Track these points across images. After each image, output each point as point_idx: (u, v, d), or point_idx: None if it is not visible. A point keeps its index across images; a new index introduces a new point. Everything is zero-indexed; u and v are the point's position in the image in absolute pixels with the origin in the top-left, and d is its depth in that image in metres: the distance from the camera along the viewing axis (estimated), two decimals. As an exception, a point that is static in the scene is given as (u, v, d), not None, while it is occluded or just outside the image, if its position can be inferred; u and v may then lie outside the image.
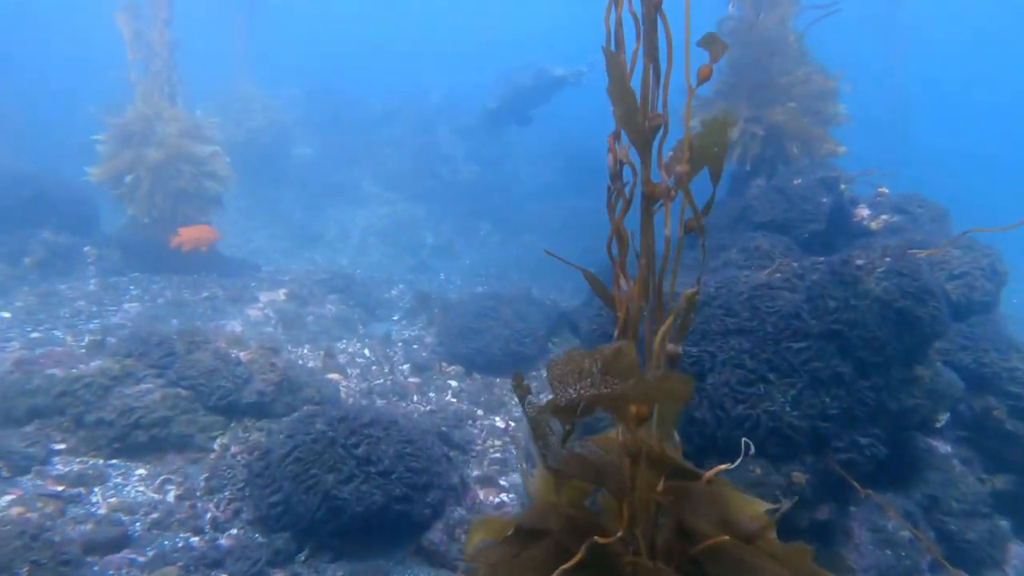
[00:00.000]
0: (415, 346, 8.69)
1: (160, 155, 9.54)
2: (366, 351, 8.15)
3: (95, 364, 5.28)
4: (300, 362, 7.40)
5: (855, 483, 3.95)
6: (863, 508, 4.10)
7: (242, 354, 5.80)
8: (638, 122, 2.02)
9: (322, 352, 7.68)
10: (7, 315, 8.28)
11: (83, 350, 6.98)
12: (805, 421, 4.13)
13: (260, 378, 5.48)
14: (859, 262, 4.20)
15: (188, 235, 9.59)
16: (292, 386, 5.67)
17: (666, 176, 2.12)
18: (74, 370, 5.18)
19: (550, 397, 1.77)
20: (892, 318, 4.04)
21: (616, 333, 2.11)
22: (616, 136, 2.19)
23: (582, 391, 1.69)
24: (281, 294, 9.33)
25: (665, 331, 2.04)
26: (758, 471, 4.20)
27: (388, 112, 21.60)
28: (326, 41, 32.71)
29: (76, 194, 10.59)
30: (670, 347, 2.14)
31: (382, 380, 7.00)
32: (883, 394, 4.07)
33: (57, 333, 7.73)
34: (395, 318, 10.49)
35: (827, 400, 4.14)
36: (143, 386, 5.15)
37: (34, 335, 7.55)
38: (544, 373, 7.49)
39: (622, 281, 2.07)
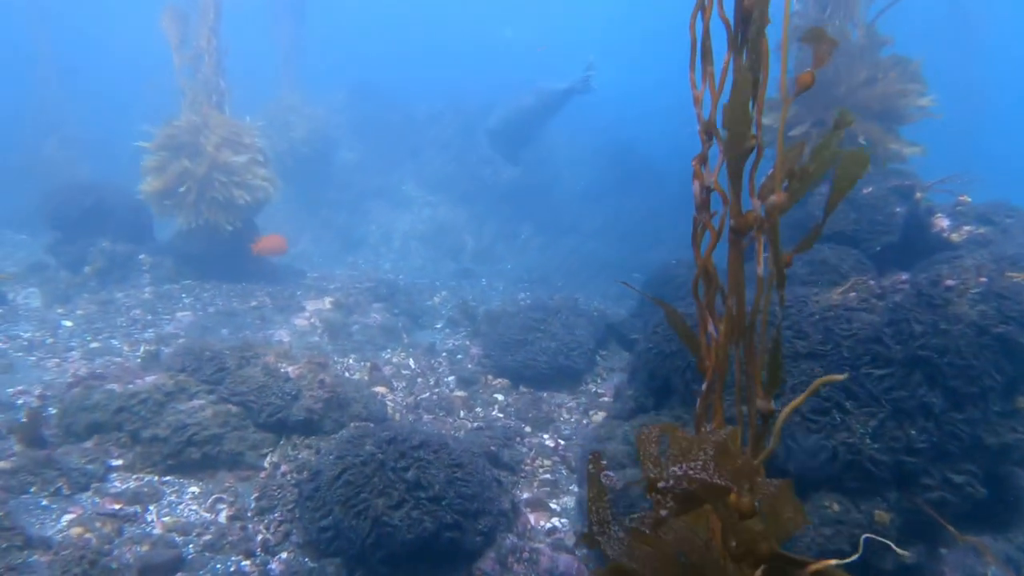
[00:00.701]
0: (459, 356, 8.59)
1: (204, 166, 9.71)
2: (411, 362, 8.09)
3: (150, 379, 5.34)
4: (346, 374, 7.38)
5: (947, 525, 3.61)
6: (956, 552, 3.74)
7: (291, 369, 5.79)
8: (740, 146, 1.80)
9: (368, 364, 7.65)
10: (69, 324, 8.56)
11: (139, 360, 7.13)
12: (888, 455, 3.80)
13: (309, 395, 5.44)
14: (949, 283, 3.84)
15: (265, 244, 10.32)
16: (340, 402, 5.62)
17: (758, 204, 1.89)
18: (131, 385, 5.25)
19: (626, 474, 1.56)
20: (990, 345, 3.67)
21: (704, 387, 1.89)
22: (702, 159, 1.97)
23: (691, 472, 1.48)
24: (327, 303, 9.37)
25: (757, 382, 1.81)
26: (835, 507, 3.89)
27: (431, 115, 21.66)
28: (370, 43, 33.14)
29: (132, 202, 10.90)
30: (761, 403, 1.91)
31: (428, 394, 6.91)
32: (979, 428, 3.71)
33: (114, 342, 7.94)
34: (438, 326, 10.43)
35: (913, 432, 3.80)
36: (195, 402, 5.17)
37: (93, 345, 7.77)
38: (592, 387, 7.28)
39: (710, 326, 1.85)
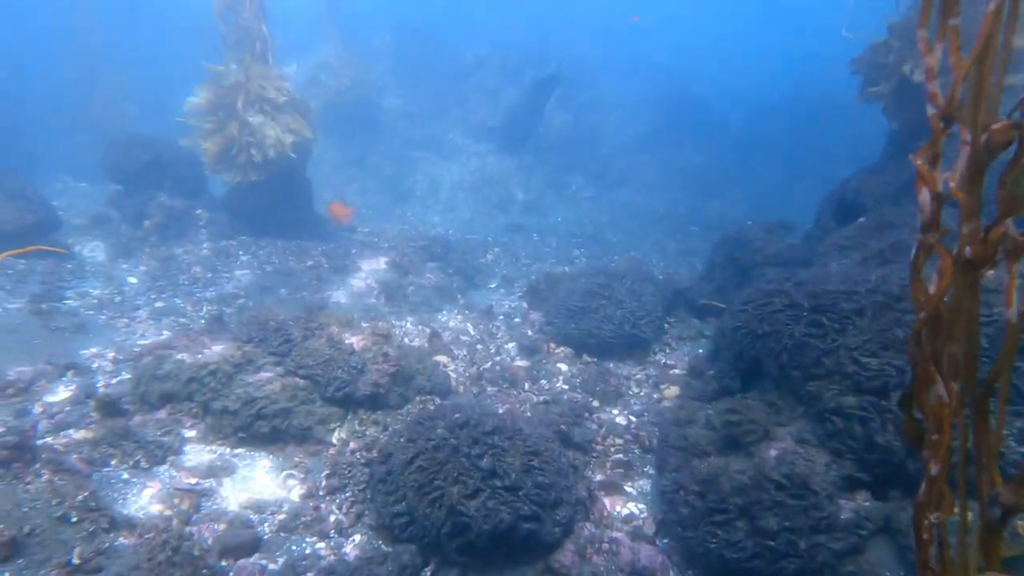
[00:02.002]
0: (517, 320, 8.33)
1: (237, 128, 9.41)
2: (469, 327, 7.87)
3: (218, 349, 5.25)
4: (406, 340, 7.22)
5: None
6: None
7: (355, 340, 5.62)
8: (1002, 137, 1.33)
9: (427, 330, 7.46)
10: (134, 280, 8.63)
11: (203, 322, 7.11)
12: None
13: (374, 368, 5.27)
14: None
15: (337, 211, 11.25)
16: (405, 375, 5.45)
17: (1009, 221, 1.43)
18: (200, 355, 5.17)
19: None
20: None
21: (929, 465, 1.49)
22: (932, 155, 1.50)
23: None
24: (382, 263, 9.17)
25: (994, 465, 1.41)
26: None
27: (478, 59, 20.74)
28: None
29: (187, 156, 10.79)
30: (1006, 495, 1.50)
31: (490, 363, 6.69)
32: None
33: (178, 301, 7.96)
34: (492, 285, 10.16)
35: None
36: (263, 375, 5.07)
37: (158, 304, 7.80)
38: (661, 358, 6.92)
39: (939, 387, 1.43)
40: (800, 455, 3.92)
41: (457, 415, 4.44)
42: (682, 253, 12.14)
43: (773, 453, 4.11)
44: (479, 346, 7.27)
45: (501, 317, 8.48)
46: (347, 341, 5.59)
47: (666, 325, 7.28)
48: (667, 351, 6.96)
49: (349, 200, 18.11)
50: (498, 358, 6.88)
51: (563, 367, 6.74)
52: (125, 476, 4.34)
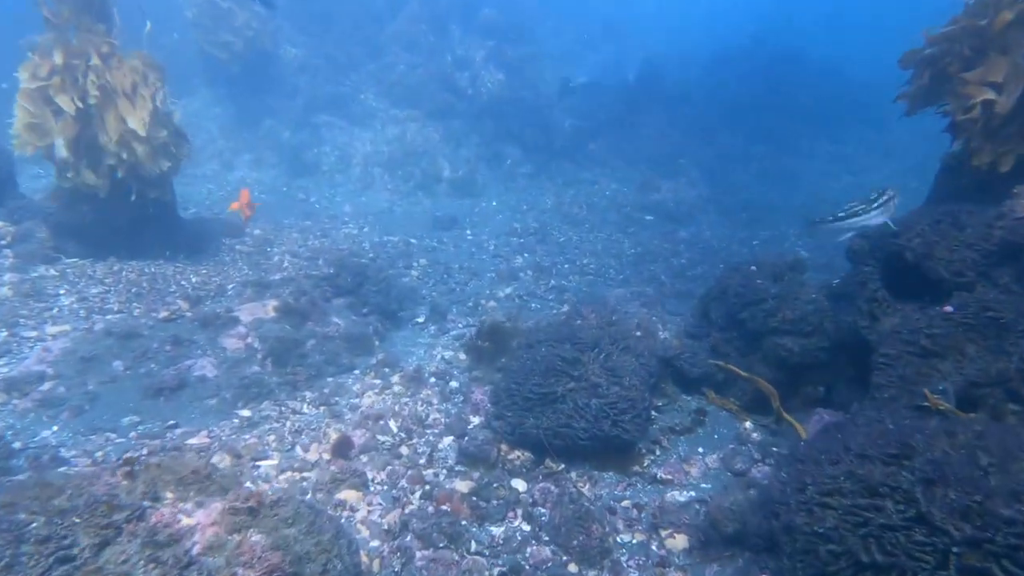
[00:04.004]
0: (454, 384, 6.42)
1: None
2: (390, 408, 5.85)
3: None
4: (298, 451, 5.13)
5: None
6: None
7: (200, 523, 3.51)
8: None
9: (331, 429, 5.40)
10: None
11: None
12: None
13: (229, 592, 3.22)
14: None
15: (244, 204, 8.24)
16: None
17: None
18: None
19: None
20: None
21: None
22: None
23: None
24: (270, 308, 6.86)
25: None
26: None
27: (393, 4, 17.63)
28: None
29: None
30: None
31: (418, 494, 4.76)
32: None
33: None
34: (420, 320, 8.12)
35: None
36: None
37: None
38: (653, 468, 5.23)
39: None
40: None
41: None
42: (642, 260, 10.47)
43: None
44: (404, 450, 5.31)
45: (433, 381, 6.52)
46: (185, 524, 3.48)
47: (654, 413, 5.58)
48: (658, 454, 5.28)
49: (240, 175, 15.13)
50: (431, 480, 4.96)
51: (520, 487, 4.93)
52: None
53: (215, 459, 4.84)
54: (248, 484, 4.56)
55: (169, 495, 3.72)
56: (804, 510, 3.08)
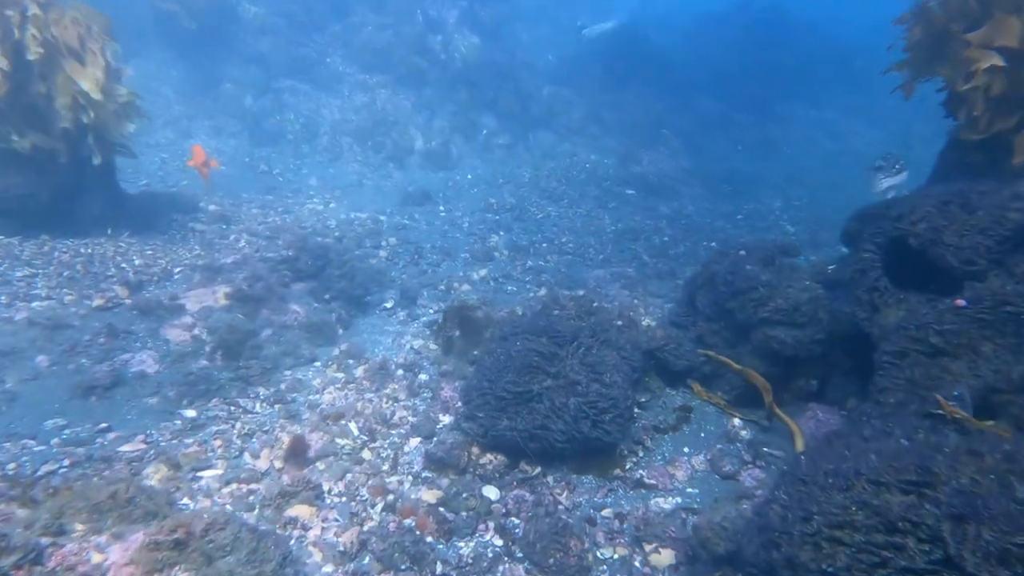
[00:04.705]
0: (423, 377, 5.96)
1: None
2: (353, 406, 5.38)
3: None
4: (246, 459, 4.64)
5: None
6: None
7: (115, 563, 3.03)
8: None
9: (284, 432, 4.91)
10: None
11: None
12: None
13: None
14: None
15: (199, 161, 8.21)
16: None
17: None
18: None
19: None
20: None
21: None
22: None
23: None
24: (221, 295, 6.28)
25: None
26: None
27: (359, -40, 16.53)
28: None
29: None
30: None
31: (380, 506, 4.32)
32: None
33: None
34: (388, 305, 7.61)
35: None
36: None
37: None
38: (637, 471, 4.85)
39: None
40: None
41: None
42: (623, 237, 10.02)
43: None
44: (365, 454, 4.86)
45: (400, 373, 6.06)
46: (94, 564, 3.00)
47: (636, 411, 5.20)
48: (641, 455, 4.91)
49: (197, 144, 14.20)
50: (394, 489, 4.53)
51: (492, 495, 4.53)
52: None
53: (149, 469, 4.33)
54: (184, 501, 4.08)
55: (79, 526, 3.23)
56: (810, 544, 2.71)
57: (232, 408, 5.30)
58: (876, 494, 2.65)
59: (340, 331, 6.84)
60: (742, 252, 5.51)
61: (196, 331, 5.89)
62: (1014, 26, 4.94)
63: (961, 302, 3.71)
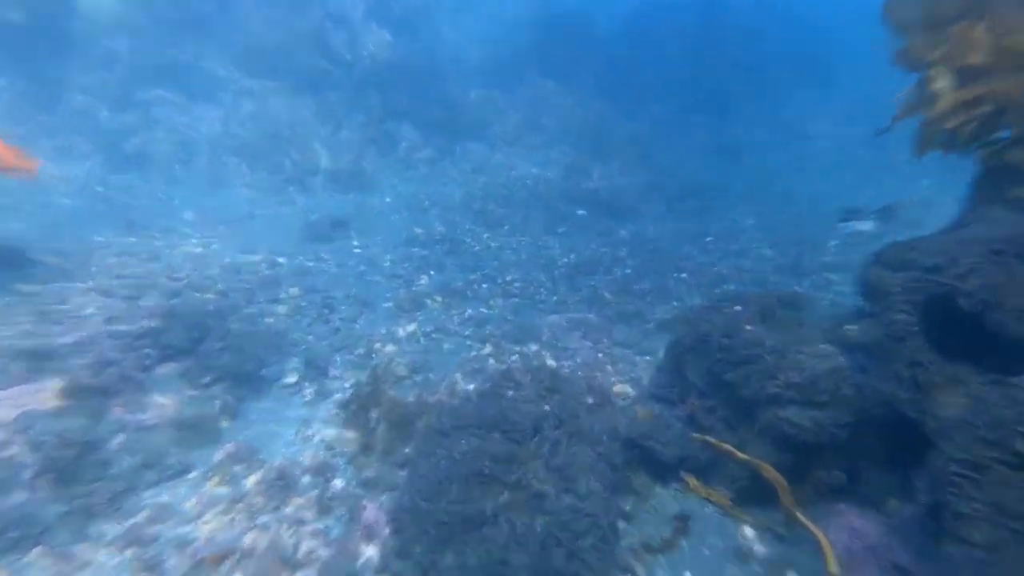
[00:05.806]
0: (336, 481, 5.14)
1: None
2: (238, 542, 4.47)
3: None
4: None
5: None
6: None
7: None
8: None
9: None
10: None
11: None
12: None
13: None
14: None
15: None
16: None
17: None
18: None
19: None
20: None
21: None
22: None
23: None
24: (51, 393, 5.21)
25: None
26: None
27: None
28: None
29: None
30: None
31: None
32: None
33: None
34: (290, 381, 6.73)
35: None
36: None
37: None
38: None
39: None
40: None
41: None
42: (578, 271, 9.51)
43: None
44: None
45: (307, 481, 5.21)
46: None
47: (620, 524, 4.57)
48: (631, 586, 4.28)
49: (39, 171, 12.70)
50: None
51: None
52: None
53: None
54: None
55: None
56: None
57: (62, 564, 4.28)
58: None
59: (224, 424, 5.89)
60: (737, 307, 5.04)
61: (13, 450, 4.81)
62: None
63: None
